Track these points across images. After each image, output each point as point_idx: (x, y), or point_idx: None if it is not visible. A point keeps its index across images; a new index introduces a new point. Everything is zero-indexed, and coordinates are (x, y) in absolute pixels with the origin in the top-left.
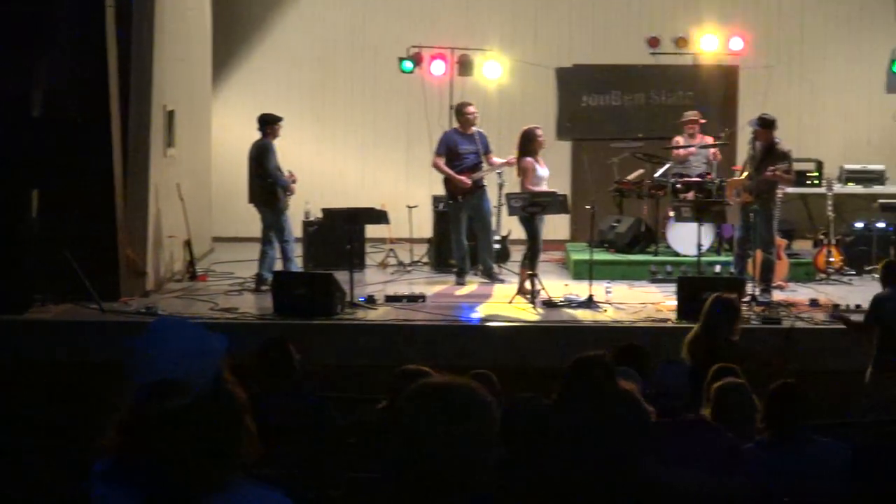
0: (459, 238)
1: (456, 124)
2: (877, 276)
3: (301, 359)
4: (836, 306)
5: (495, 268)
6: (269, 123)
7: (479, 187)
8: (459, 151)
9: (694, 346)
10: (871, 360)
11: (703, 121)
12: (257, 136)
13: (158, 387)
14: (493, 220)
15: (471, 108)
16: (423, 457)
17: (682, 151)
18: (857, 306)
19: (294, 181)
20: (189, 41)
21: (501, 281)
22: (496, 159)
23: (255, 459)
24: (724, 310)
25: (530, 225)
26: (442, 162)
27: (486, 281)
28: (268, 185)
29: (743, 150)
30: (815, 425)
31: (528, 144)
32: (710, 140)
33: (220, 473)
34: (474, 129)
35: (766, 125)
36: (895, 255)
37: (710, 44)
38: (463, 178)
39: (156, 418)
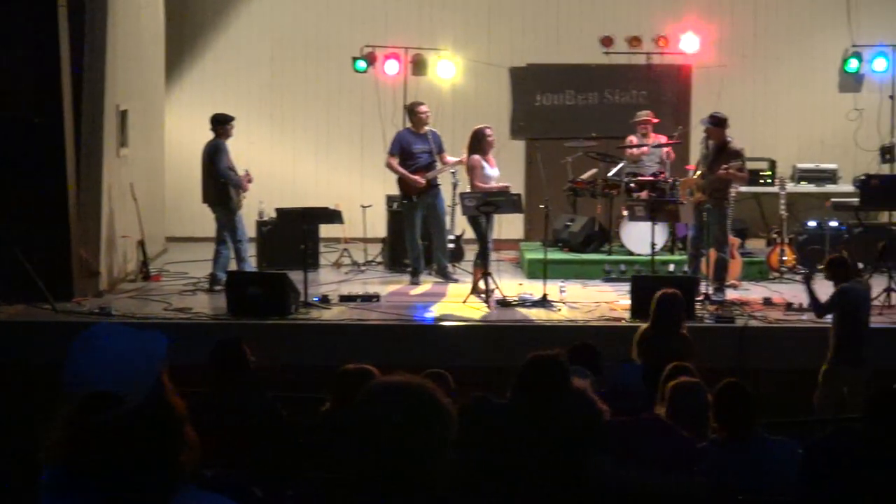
0: (414, 238)
1: (409, 124)
2: None
3: (255, 360)
4: (808, 275)
5: (450, 267)
6: (221, 123)
7: (433, 187)
8: (413, 151)
9: (645, 343)
10: (828, 354)
11: (656, 120)
12: (210, 135)
13: (94, 399)
14: (448, 219)
15: (423, 108)
16: (381, 457)
17: (635, 151)
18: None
19: (250, 180)
20: (142, 41)
21: (456, 280)
22: (450, 158)
23: (198, 463)
24: (671, 304)
25: (478, 224)
26: (396, 161)
27: (441, 280)
28: (220, 185)
29: (696, 150)
30: (769, 423)
31: (477, 143)
32: (663, 139)
33: (162, 484)
34: (427, 128)
35: (718, 124)
36: (847, 253)
37: (664, 43)
38: (417, 177)
39: (93, 430)
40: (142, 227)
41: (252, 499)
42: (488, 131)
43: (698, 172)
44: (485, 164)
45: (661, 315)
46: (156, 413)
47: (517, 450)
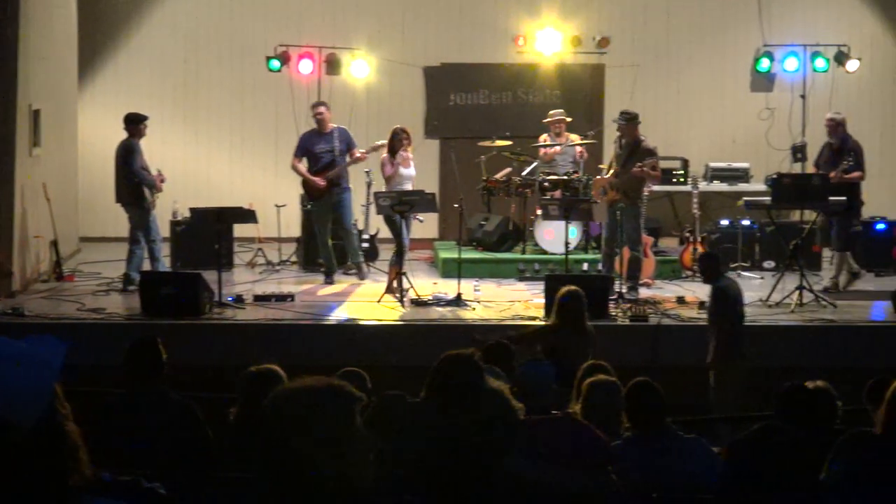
0: (324, 238)
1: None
2: (743, 272)
3: (166, 359)
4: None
5: (364, 266)
6: (134, 123)
7: (335, 185)
8: (315, 152)
9: (549, 341)
10: (712, 354)
11: (568, 119)
12: (124, 135)
13: None
14: (362, 218)
15: (318, 109)
16: (291, 460)
17: (549, 151)
18: None
19: (163, 180)
20: (55, 40)
21: (369, 280)
22: (358, 153)
23: (91, 479)
24: (574, 302)
25: (393, 223)
26: (298, 163)
27: (357, 279)
28: (134, 185)
29: (610, 149)
30: (682, 421)
31: (390, 142)
32: (576, 139)
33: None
34: (333, 126)
35: (630, 121)
36: (759, 252)
37: (577, 42)
38: (317, 178)
39: None
40: (55, 227)
41: (155, 497)
42: (401, 134)
43: (611, 171)
44: (390, 163)
45: (565, 314)
46: (47, 440)
47: (431, 449)
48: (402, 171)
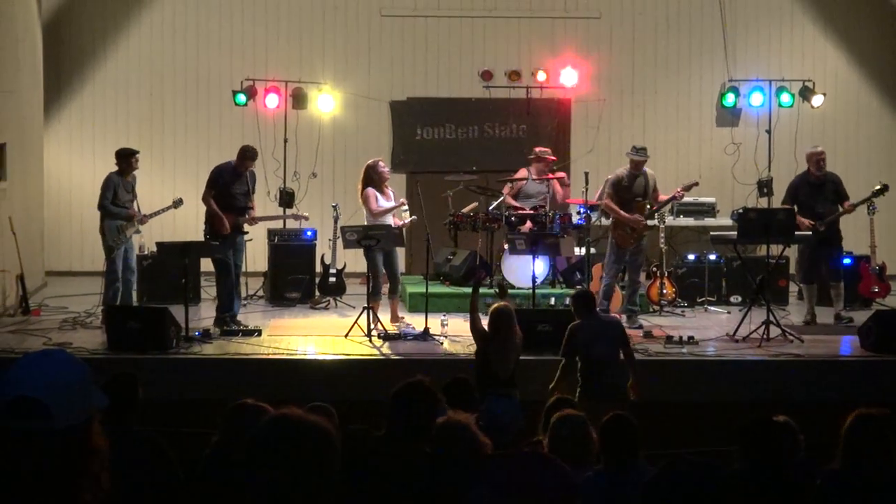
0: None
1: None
2: (710, 307)
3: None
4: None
5: (238, 316)
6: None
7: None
8: (232, 192)
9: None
10: (577, 391)
11: (553, 158)
12: (88, 167)
13: (16, 404)
14: (330, 252)
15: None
16: (274, 490)
17: (508, 195)
18: (690, 338)
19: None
20: (20, 73)
21: (336, 314)
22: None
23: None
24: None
25: (368, 258)
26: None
27: (323, 314)
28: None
29: (579, 183)
30: (651, 455)
31: (370, 177)
32: (547, 176)
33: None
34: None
35: (645, 154)
36: (726, 286)
37: (543, 77)
38: (228, 219)
39: (12, 436)
40: (21, 261)
41: None
42: (381, 166)
43: (645, 208)
44: (379, 196)
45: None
46: (75, 447)
47: (395, 482)
48: (383, 202)
